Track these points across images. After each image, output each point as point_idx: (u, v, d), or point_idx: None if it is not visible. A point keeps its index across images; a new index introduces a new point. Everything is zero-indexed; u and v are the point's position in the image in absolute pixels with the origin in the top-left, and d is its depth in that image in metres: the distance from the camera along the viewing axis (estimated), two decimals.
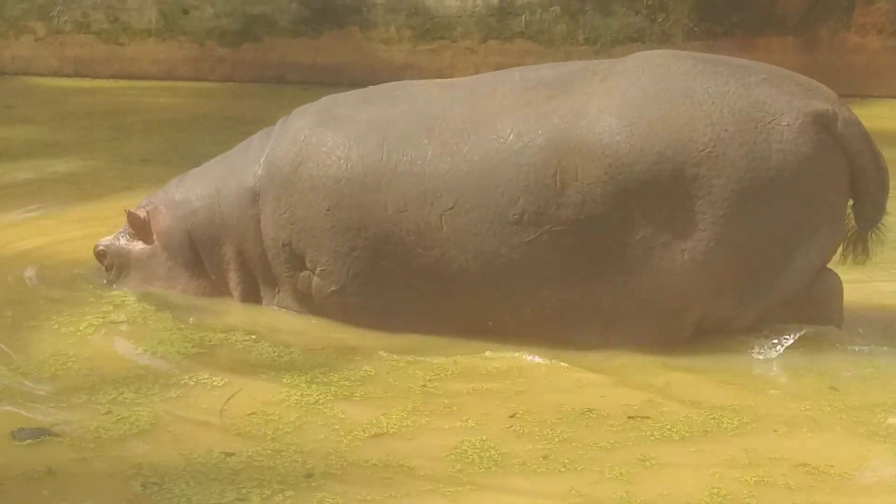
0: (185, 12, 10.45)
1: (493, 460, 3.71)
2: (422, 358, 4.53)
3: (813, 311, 4.56)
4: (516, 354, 4.50)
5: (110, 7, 10.44)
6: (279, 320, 4.90)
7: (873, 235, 4.54)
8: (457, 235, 4.72)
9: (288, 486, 3.50)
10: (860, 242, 4.61)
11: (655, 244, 4.59)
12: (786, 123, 4.34)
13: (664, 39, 9.60)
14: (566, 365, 4.40)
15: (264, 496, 3.49)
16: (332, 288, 4.80)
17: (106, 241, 5.24)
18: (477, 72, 9.27)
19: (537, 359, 4.43)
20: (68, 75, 10.45)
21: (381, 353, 4.54)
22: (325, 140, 4.82)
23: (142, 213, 5.17)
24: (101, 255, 5.22)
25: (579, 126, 4.42)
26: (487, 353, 4.49)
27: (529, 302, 4.66)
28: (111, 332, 4.88)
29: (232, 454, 3.78)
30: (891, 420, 3.97)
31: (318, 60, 10.21)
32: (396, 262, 4.72)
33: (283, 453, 3.71)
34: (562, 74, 4.74)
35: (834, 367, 4.35)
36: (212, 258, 5.07)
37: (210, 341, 4.69)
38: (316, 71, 10.03)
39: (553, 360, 4.43)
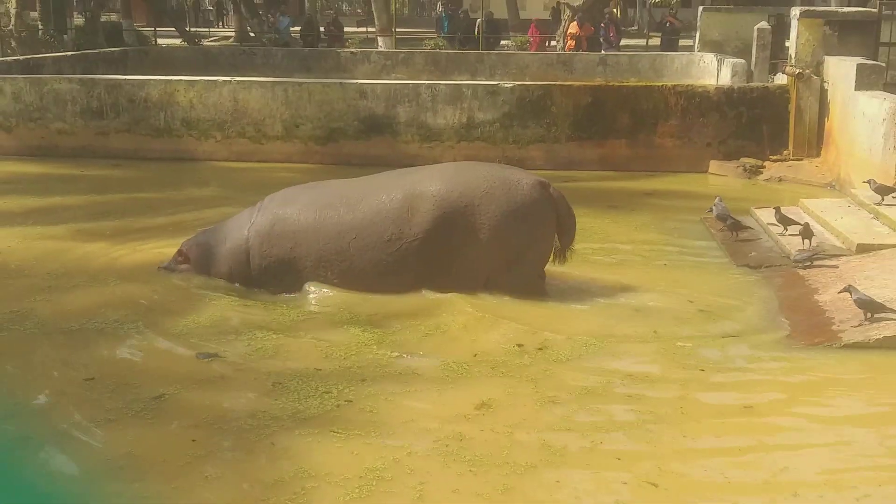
0: (297, 126, 13.66)
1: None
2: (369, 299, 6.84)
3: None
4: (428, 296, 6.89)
5: (257, 124, 13.69)
6: (318, 297, 6.97)
7: (567, 252, 7.13)
8: (358, 253, 6.84)
9: (348, 384, 5.49)
10: (560, 255, 7.14)
11: (462, 244, 6.80)
12: (525, 183, 6.78)
13: (556, 140, 13.26)
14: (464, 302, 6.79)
15: (340, 389, 5.42)
16: (292, 283, 6.97)
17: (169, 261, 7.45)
18: (455, 159, 12.49)
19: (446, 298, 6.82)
20: (233, 161, 13.60)
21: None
22: (286, 212, 6.98)
23: (184, 248, 7.38)
24: (177, 255, 7.43)
25: (419, 186, 6.76)
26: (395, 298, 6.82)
27: (400, 280, 6.84)
28: (237, 305, 6.93)
29: (320, 369, 5.73)
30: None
31: (369, 153, 13.35)
32: (326, 270, 6.91)
33: (350, 368, 5.72)
34: (408, 170, 7.29)
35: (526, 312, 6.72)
36: (216, 270, 7.20)
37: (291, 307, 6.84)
38: (368, 158, 13.01)
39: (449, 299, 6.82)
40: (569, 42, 22.55)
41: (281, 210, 6.98)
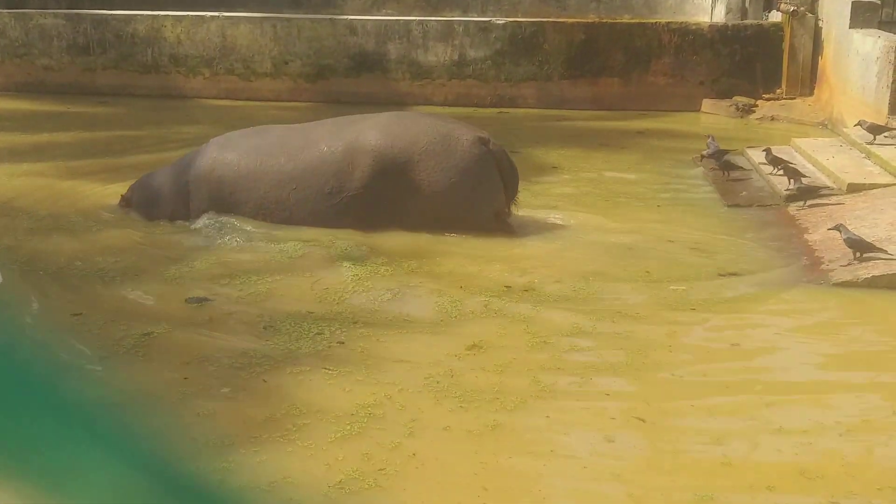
0: (286, 63, 13.62)
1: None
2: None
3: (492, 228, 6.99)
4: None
5: (245, 60, 13.65)
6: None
7: (513, 204, 7.19)
8: (298, 203, 6.90)
9: (340, 326, 5.48)
10: (504, 210, 7.15)
11: (402, 199, 6.88)
12: (465, 139, 6.82)
13: (548, 79, 13.22)
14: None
15: (332, 330, 5.46)
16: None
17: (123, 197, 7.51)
18: (446, 99, 13.08)
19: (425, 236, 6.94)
20: (222, 99, 13.63)
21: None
22: (227, 157, 7.03)
23: (127, 192, 7.54)
24: (123, 199, 7.54)
25: (359, 139, 6.74)
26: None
27: (340, 227, 6.90)
28: (228, 249, 6.86)
29: (312, 312, 5.71)
30: None
31: (360, 90, 13.35)
32: (266, 217, 7.00)
33: (342, 311, 5.74)
34: (350, 119, 7.07)
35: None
36: (158, 213, 7.25)
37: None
38: (358, 96, 13.12)
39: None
40: None
41: (222, 155, 7.03)
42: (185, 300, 5.90)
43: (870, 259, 6.46)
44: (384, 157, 6.68)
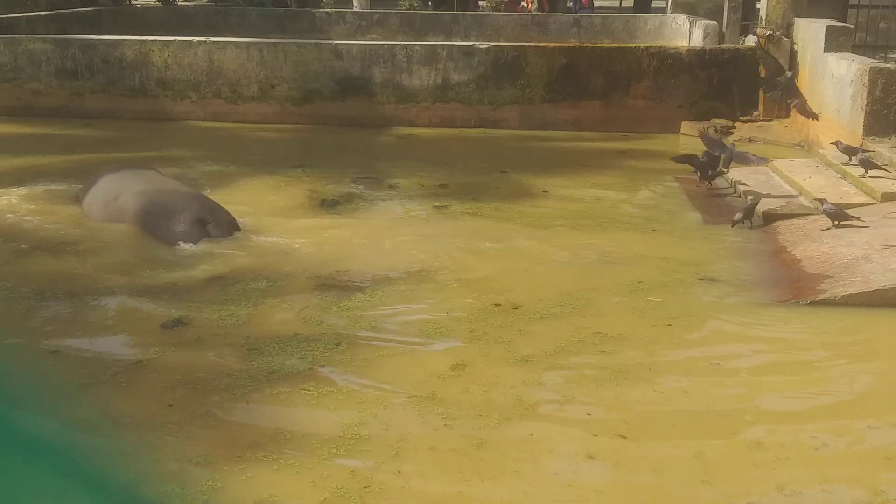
0: (272, 87, 13.75)
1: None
2: None
3: None
4: None
5: (232, 84, 13.76)
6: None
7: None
8: None
9: (323, 349, 5.55)
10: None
11: None
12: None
13: (530, 102, 13.35)
14: None
15: (321, 350, 5.54)
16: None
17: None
18: (430, 121, 13.23)
19: None
20: (209, 121, 13.76)
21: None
22: (100, 187, 8.47)
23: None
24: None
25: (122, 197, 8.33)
26: None
27: None
28: (207, 263, 7.20)
29: (299, 333, 5.81)
30: None
31: (345, 114, 13.56)
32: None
33: (324, 333, 5.76)
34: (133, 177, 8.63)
35: None
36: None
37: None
38: (344, 119, 13.45)
39: None
40: (529, 4, 22.67)
41: (98, 186, 8.56)
42: (161, 325, 5.99)
43: (847, 227, 7.49)
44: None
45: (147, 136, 12.73)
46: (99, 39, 14.52)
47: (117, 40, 14.42)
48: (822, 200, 7.75)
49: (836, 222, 7.36)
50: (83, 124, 13.41)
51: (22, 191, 9.49)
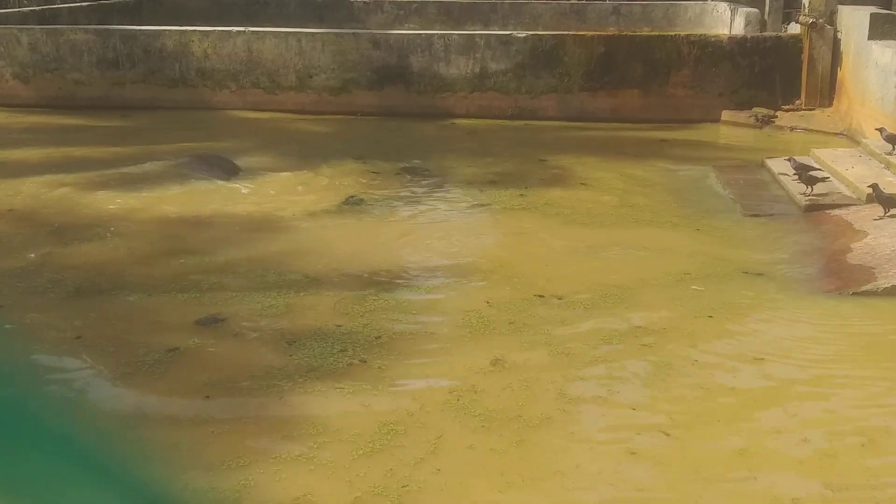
0: (310, 76, 13.88)
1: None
2: None
3: None
4: None
5: (271, 74, 13.91)
6: None
7: None
8: None
9: (363, 344, 5.46)
10: None
11: None
12: None
13: (568, 91, 13.36)
14: None
15: (356, 347, 5.46)
16: None
17: None
18: (468, 111, 13.27)
19: None
20: (248, 110, 13.87)
21: None
22: None
23: None
24: None
25: None
26: None
27: None
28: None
29: (340, 325, 5.79)
30: None
31: (382, 103, 13.71)
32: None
33: (368, 325, 5.76)
34: None
35: None
36: None
37: None
38: (381, 109, 13.58)
39: None
40: None
41: None
42: (196, 321, 5.90)
43: (893, 217, 7.40)
44: None
45: (186, 126, 12.80)
46: (139, 30, 14.64)
47: (157, 30, 14.52)
48: (873, 187, 7.64)
49: (888, 210, 7.24)
50: (124, 114, 13.68)
51: (61, 177, 9.61)
